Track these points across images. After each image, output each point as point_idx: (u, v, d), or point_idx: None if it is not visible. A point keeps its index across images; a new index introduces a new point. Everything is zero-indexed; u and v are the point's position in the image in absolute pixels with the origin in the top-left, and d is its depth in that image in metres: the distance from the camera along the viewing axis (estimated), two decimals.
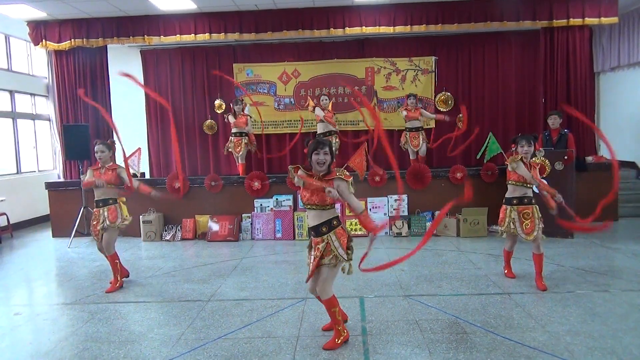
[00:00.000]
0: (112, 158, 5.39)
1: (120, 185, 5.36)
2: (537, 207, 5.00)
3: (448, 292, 4.81)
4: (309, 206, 3.63)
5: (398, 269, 5.69)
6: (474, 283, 5.08)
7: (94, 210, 5.30)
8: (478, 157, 7.59)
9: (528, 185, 4.90)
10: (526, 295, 4.66)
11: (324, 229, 3.60)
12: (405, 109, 8.48)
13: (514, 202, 4.97)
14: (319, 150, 3.54)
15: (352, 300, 4.61)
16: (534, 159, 5.18)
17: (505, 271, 5.34)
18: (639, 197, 8.67)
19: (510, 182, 5.00)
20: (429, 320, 4.09)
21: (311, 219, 3.65)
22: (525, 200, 4.94)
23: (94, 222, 5.26)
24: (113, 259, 5.28)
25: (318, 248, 3.61)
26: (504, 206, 5.09)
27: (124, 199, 5.46)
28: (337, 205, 3.82)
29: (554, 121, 7.24)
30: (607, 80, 10.12)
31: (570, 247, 6.46)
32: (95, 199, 5.32)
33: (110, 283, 5.33)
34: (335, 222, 3.63)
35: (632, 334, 3.70)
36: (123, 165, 5.23)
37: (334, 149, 8.01)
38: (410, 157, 8.61)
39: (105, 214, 5.19)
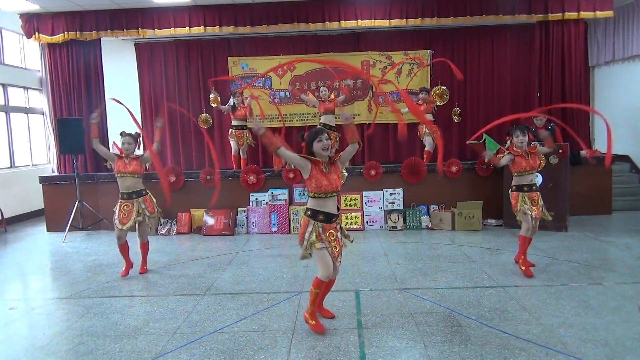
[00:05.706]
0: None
1: (144, 173, 5.49)
2: (539, 193, 5.26)
3: (443, 286, 4.83)
4: (329, 194, 3.62)
5: (393, 262, 5.72)
6: (468, 276, 5.10)
7: (123, 201, 5.34)
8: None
9: (531, 172, 5.13)
10: (520, 288, 4.69)
11: (339, 213, 3.78)
12: (417, 104, 8.42)
13: (525, 189, 5.17)
14: (321, 137, 3.61)
15: (348, 294, 4.63)
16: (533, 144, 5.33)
17: (523, 268, 5.07)
18: (632, 190, 8.73)
19: (514, 173, 5.20)
20: (424, 314, 4.11)
21: (331, 205, 3.66)
22: (534, 187, 5.20)
23: (125, 213, 5.31)
24: (146, 246, 5.67)
25: (336, 230, 3.72)
26: (514, 193, 5.22)
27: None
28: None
29: (539, 122, 7.25)
30: (602, 73, 10.14)
31: (564, 241, 6.50)
32: (125, 191, 5.34)
33: (124, 268, 5.61)
34: None
35: (624, 326, 3.73)
36: (141, 153, 5.45)
37: (334, 148, 7.95)
38: (426, 149, 8.39)
39: (143, 205, 5.37)
